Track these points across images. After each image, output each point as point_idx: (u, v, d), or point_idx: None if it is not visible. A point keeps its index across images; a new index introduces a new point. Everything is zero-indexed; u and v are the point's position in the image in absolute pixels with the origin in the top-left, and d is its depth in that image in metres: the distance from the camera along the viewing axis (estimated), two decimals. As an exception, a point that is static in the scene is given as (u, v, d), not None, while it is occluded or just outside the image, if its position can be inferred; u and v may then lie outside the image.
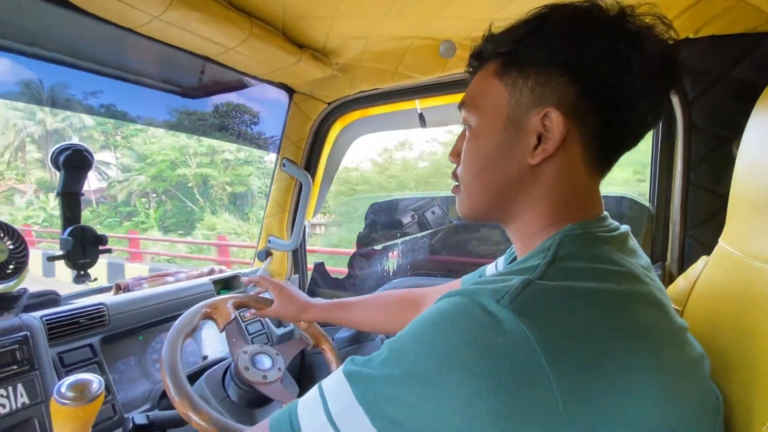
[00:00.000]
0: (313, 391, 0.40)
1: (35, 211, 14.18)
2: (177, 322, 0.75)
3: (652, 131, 0.87)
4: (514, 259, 0.65)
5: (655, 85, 0.42)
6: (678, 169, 0.81)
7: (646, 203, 0.89)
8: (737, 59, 0.73)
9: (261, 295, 0.93)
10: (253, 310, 0.91)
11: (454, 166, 0.52)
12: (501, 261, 0.72)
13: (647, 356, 0.34)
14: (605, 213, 0.47)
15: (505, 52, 0.45)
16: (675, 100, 0.79)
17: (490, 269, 0.74)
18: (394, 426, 0.33)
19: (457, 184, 0.52)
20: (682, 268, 0.78)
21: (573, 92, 0.41)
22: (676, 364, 0.36)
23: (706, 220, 0.79)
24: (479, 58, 0.50)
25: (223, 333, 0.81)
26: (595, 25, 0.41)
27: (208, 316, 0.80)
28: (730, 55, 0.74)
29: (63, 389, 0.47)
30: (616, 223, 0.47)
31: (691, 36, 0.75)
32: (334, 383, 0.39)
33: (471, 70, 0.52)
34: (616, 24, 0.41)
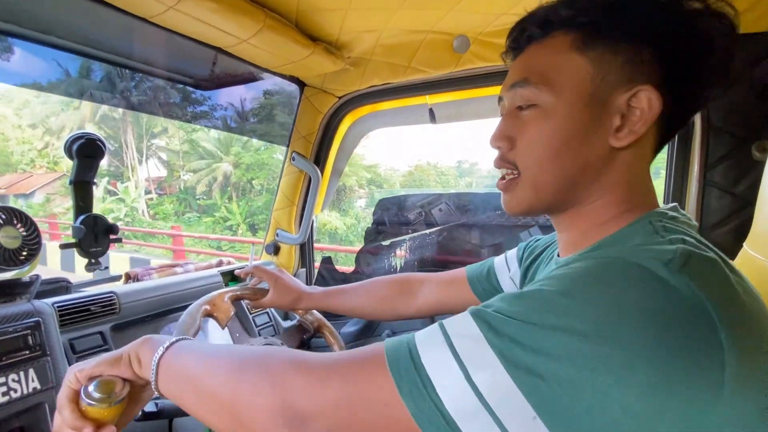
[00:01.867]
0: (433, 328, 0.35)
1: (113, 203, 13.44)
2: (178, 323, 0.74)
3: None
4: (542, 251, 0.64)
5: (727, 66, 0.40)
6: (695, 169, 0.79)
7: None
8: (759, 58, 0.71)
9: (262, 284, 0.93)
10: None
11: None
12: (511, 255, 0.71)
13: None
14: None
15: (589, 21, 0.41)
16: (693, 99, 0.78)
17: (499, 262, 0.73)
18: (533, 378, 0.29)
19: (511, 175, 0.46)
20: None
21: (664, 68, 0.39)
22: None
23: (723, 221, 0.77)
24: (544, 27, 0.43)
25: (231, 325, 0.82)
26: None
27: (209, 314, 0.80)
28: (751, 54, 0.72)
29: (90, 389, 0.47)
30: (687, 214, 0.45)
31: (713, 33, 0.73)
32: (458, 321, 0.34)
33: (517, 44, 0.46)
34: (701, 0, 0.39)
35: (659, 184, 0.90)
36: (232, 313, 0.82)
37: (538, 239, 0.67)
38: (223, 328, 0.81)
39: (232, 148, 13.96)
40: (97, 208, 0.92)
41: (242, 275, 0.95)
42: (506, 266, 0.72)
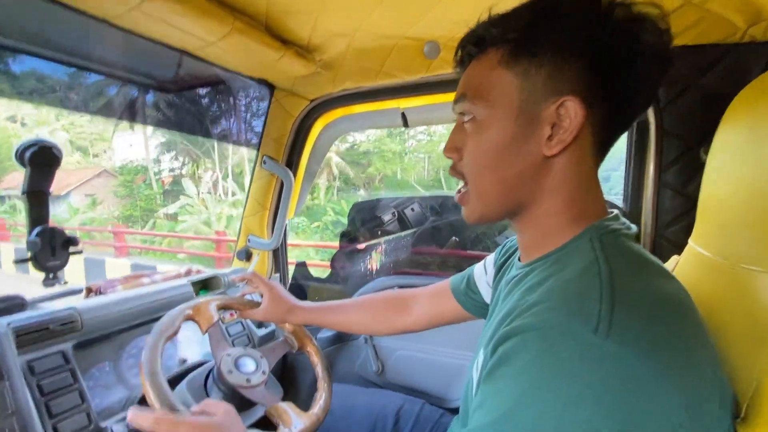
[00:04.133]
0: None
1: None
2: (157, 324, 0.72)
3: (626, 135, 0.91)
4: (514, 252, 0.65)
5: (656, 69, 0.42)
6: (650, 171, 0.85)
7: (621, 204, 0.93)
8: (707, 68, 0.77)
9: (249, 295, 0.91)
10: (234, 312, 0.89)
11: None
12: (490, 260, 0.72)
13: (707, 343, 0.38)
14: (615, 212, 0.47)
15: (514, 38, 0.43)
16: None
17: (478, 270, 0.75)
18: None
19: (462, 190, 0.50)
20: (654, 266, 0.82)
21: (588, 78, 0.41)
22: (710, 343, 0.40)
23: (675, 220, 0.83)
24: (479, 44, 0.46)
25: (206, 336, 0.79)
26: (608, 8, 0.40)
27: (190, 318, 0.78)
28: (700, 64, 0.78)
29: None
30: (627, 221, 0.48)
31: (664, 45, 0.79)
32: None
33: (462, 60, 0.49)
34: (625, 5, 0.40)
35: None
36: (215, 320, 0.81)
37: (513, 240, 0.69)
38: (203, 333, 0.79)
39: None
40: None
41: (236, 281, 0.92)
42: (484, 272, 0.73)
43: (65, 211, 13.15)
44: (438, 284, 0.83)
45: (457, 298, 0.78)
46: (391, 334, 0.86)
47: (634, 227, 0.47)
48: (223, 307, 0.85)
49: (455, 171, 0.50)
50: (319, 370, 0.87)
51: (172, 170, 16.04)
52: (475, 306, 0.76)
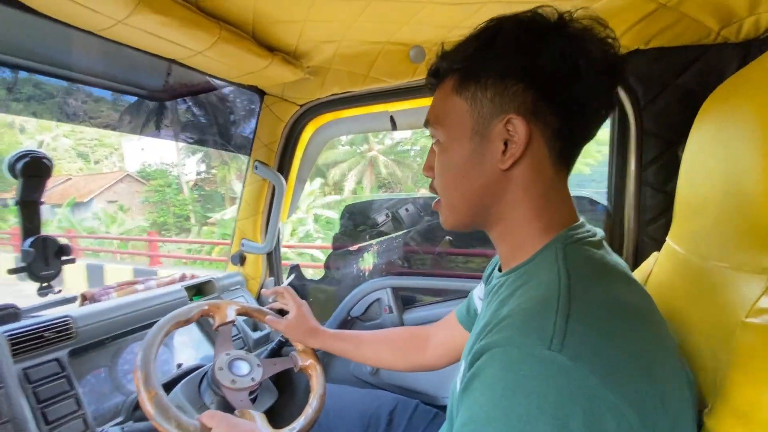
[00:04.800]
0: None
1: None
2: (172, 313, 0.77)
3: (609, 135, 0.93)
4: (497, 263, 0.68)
5: (604, 81, 0.45)
6: (631, 170, 0.87)
7: (605, 202, 0.95)
8: (682, 69, 0.79)
9: (273, 307, 0.94)
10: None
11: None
12: (485, 276, 0.73)
13: (665, 344, 0.40)
14: (581, 219, 0.50)
15: (461, 68, 0.48)
16: (628, 107, 0.85)
17: (476, 290, 0.75)
18: None
19: (437, 198, 0.54)
20: (636, 263, 0.84)
21: (531, 97, 0.44)
22: (669, 344, 0.42)
23: (656, 217, 0.85)
24: (436, 75, 0.51)
25: (199, 340, 0.81)
26: (542, 33, 0.44)
27: (206, 314, 0.82)
28: (676, 65, 0.80)
29: None
30: (592, 228, 0.51)
31: (642, 47, 0.81)
32: None
33: (430, 87, 0.54)
34: (560, 29, 0.44)
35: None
36: (228, 320, 0.84)
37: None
38: (214, 329, 0.83)
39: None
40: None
41: (268, 294, 0.95)
42: (481, 288, 0.74)
43: (93, 219, 12.33)
44: (447, 317, 0.84)
45: (463, 324, 0.79)
46: (410, 369, 0.86)
47: (600, 232, 0.50)
48: (241, 314, 0.87)
49: (432, 188, 0.55)
50: (315, 398, 0.82)
51: (200, 173, 15.34)
52: None
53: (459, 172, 0.49)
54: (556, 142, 0.46)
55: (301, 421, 0.76)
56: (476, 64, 0.46)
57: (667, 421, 0.36)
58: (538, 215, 0.47)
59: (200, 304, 0.81)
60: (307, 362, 0.89)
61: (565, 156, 0.47)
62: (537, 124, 0.44)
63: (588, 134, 0.48)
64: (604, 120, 0.48)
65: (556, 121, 0.45)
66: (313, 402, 0.81)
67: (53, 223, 11.07)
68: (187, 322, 0.78)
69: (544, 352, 0.34)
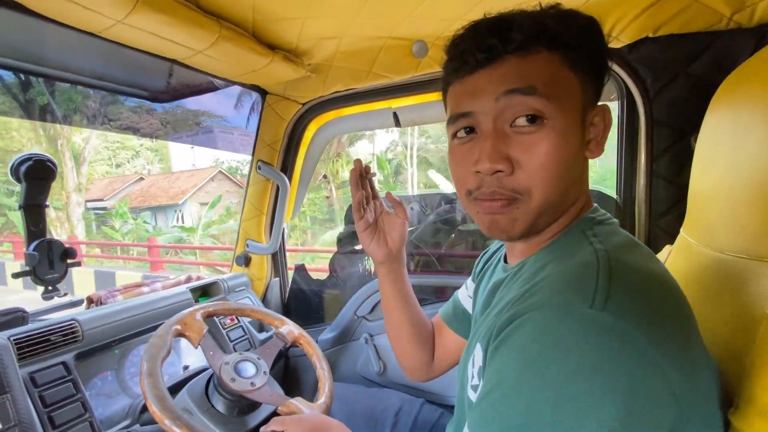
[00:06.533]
0: None
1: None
2: (148, 345, 0.72)
3: (616, 127, 0.90)
4: (491, 256, 0.66)
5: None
6: (641, 161, 0.85)
7: (614, 195, 0.92)
8: (694, 57, 0.77)
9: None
10: (232, 316, 0.90)
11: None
12: (469, 278, 0.73)
13: (696, 327, 0.38)
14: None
15: (574, 42, 0.42)
16: (637, 96, 0.83)
17: (461, 291, 0.75)
18: None
19: (507, 197, 0.42)
20: (648, 256, 0.82)
21: (598, 88, 0.45)
22: (697, 329, 0.40)
23: (668, 210, 0.83)
24: (529, 38, 0.40)
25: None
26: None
27: (179, 335, 0.78)
28: (687, 52, 0.78)
29: None
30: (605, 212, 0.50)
31: (651, 35, 0.78)
32: None
33: (503, 46, 0.41)
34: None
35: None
36: (205, 330, 0.81)
37: (487, 251, 0.69)
38: (195, 347, 0.79)
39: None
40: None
41: (390, 198, 0.76)
42: (466, 289, 0.73)
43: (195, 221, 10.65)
44: (434, 323, 0.81)
45: (449, 325, 0.76)
46: (414, 375, 0.82)
47: (614, 219, 0.49)
48: (208, 315, 0.85)
49: (503, 188, 0.42)
50: (315, 360, 0.90)
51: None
52: (467, 328, 0.73)
53: (568, 162, 0.41)
54: None
55: (325, 384, 0.85)
56: (585, 44, 0.42)
57: (700, 393, 0.34)
58: (580, 203, 0.47)
59: (168, 328, 0.76)
60: (292, 335, 0.94)
61: None
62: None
63: None
64: None
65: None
66: (319, 363, 0.89)
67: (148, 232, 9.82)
68: (168, 352, 0.73)
69: (585, 311, 0.33)
